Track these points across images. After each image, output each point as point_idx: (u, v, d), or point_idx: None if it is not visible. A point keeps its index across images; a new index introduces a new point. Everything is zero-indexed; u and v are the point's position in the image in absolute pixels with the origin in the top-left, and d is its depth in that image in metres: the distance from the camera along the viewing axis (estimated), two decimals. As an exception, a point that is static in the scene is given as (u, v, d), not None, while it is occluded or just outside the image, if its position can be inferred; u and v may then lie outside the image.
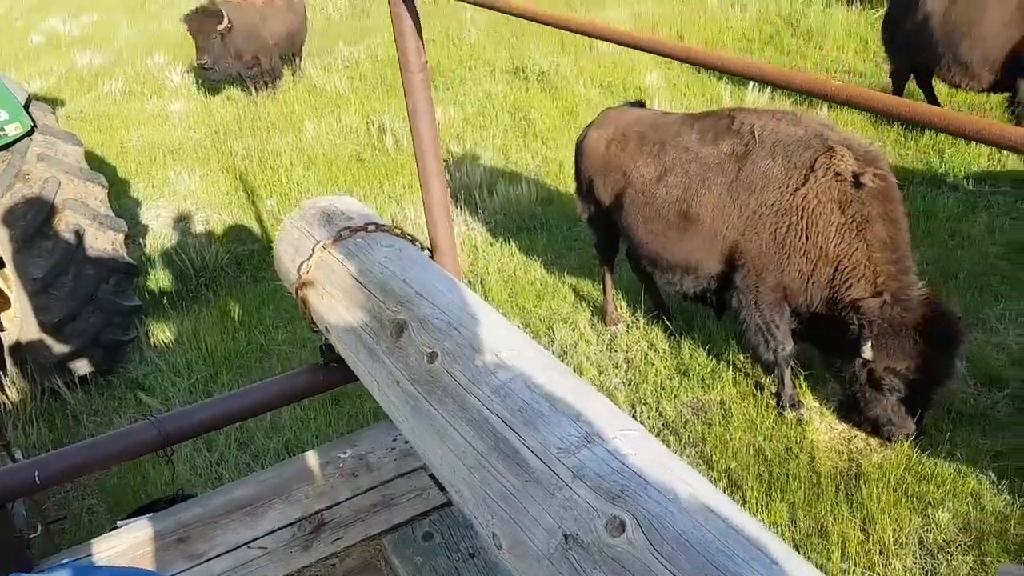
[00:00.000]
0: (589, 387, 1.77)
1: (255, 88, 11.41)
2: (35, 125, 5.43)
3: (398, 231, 2.48)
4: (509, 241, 7.04)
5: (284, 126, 10.42)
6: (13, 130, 5.25)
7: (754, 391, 5.00)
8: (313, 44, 13.24)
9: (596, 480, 1.42)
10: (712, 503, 1.35)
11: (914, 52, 7.85)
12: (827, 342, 4.56)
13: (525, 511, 1.49)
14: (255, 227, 8.01)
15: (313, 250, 2.44)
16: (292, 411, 5.12)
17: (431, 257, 2.54)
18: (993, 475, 4.15)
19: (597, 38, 1.77)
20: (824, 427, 4.71)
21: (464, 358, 1.84)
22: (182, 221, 8.27)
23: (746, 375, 5.13)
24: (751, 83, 9.28)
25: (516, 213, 7.50)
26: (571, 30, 1.92)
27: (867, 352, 4.13)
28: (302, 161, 9.25)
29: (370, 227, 2.47)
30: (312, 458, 2.50)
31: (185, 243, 7.65)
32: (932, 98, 8.14)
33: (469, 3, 2.06)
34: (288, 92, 11.59)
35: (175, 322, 6.44)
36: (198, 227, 8.14)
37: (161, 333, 6.39)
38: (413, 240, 2.49)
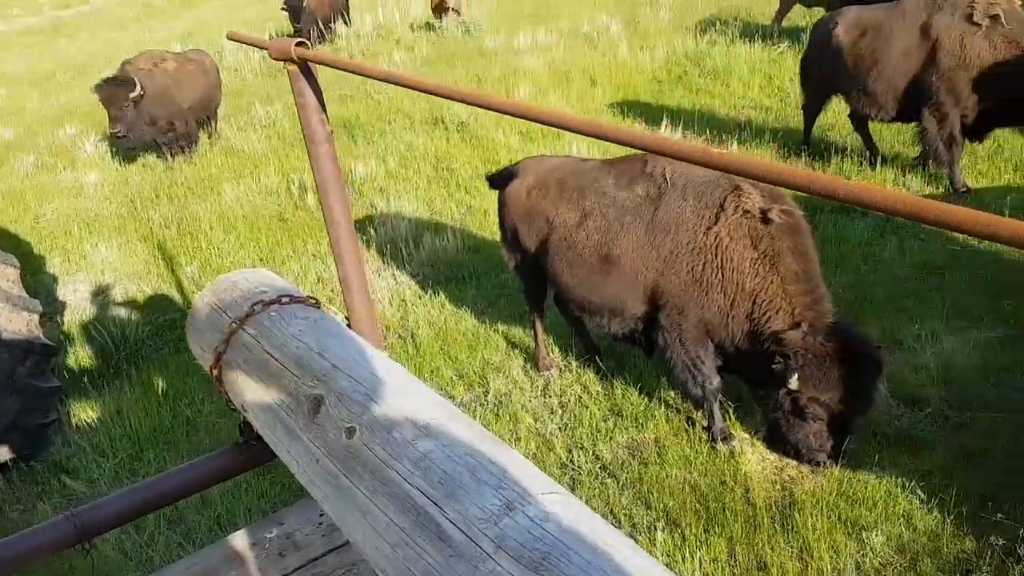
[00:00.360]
0: (511, 451, 1.76)
1: (171, 154, 11.26)
2: (-63, 208, 5.25)
3: (313, 301, 2.46)
4: (438, 292, 7.03)
5: (202, 190, 10.29)
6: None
7: (686, 427, 5.05)
8: (228, 105, 13.16)
9: (518, 550, 1.42)
10: (637, 566, 1.35)
11: (827, 84, 8.16)
12: (751, 374, 4.65)
13: (449, 587, 1.48)
14: (176, 295, 7.85)
15: (226, 328, 2.40)
16: (222, 485, 4.98)
17: (348, 326, 2.51)
18: (923, 494, 4.26)
19: (503, 112, 1.78)
20: (756, 457, 4.78)
21: (383, 430, 1.82)
22: (100, 294, 8.05)
23: (678, 411, 5.19)
24: (664, 123, 9.54)
25: (443, 264, 7.51)
26: (474, 104, 1.95)
27: (793, 383, 4.22)
28: (222, 225, 9.12)
29: (284, 299, 2.43)
30: (238, 540, 2.43)
31: (104, 317, 7.45)
32: (868, 141, 8.37)
33: (367, 76, 2.08)
34: (205, 156, 11.47)
35: (97, 400, 6.24)
36: (117, 299, 7.94)
37: (83, 413, 6.18)
38: (327, 310, 2.47)
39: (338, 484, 1.82)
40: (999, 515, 4.01)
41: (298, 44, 2.16)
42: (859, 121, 8.29)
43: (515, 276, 5.94)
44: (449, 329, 6.54)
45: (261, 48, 2.30)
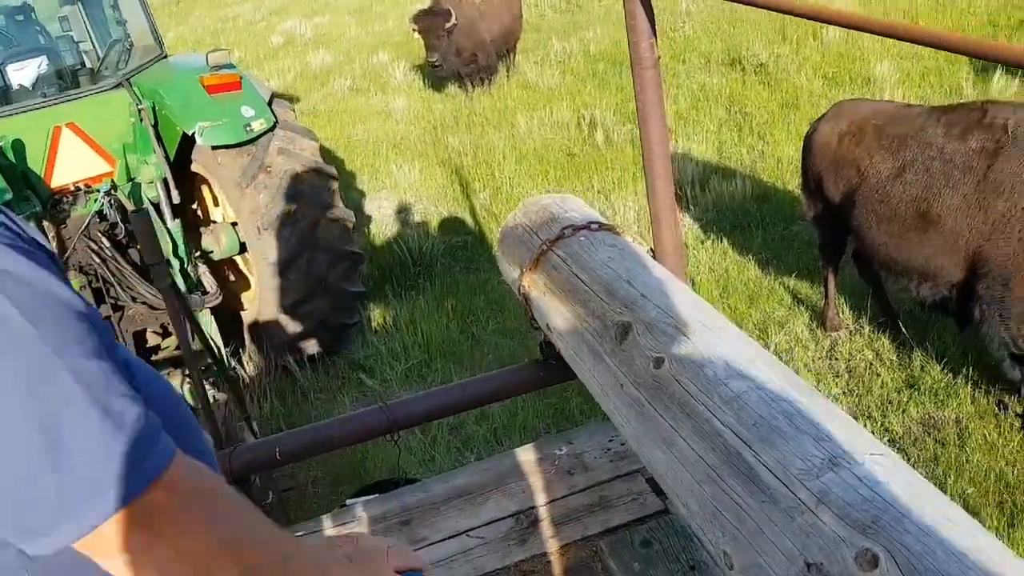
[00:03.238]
0: (832, 405, 1.66)
1: (471, 84, 11.75)
2: (277, 121, 5.85)
3: (621, 231, 2.44)
4: (721, 239, 6.83)
5: (498, 121, 10.67)
6: (258, 126, 5.68)
7: (995, 410, 4.55)
8: (526, 40, 13.47)
9: (843, 507, 1.32)
10: (981, 547, 1.22)
11: None
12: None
13: (761, 532, 1.42)
14: (468, 219, 8.25)
15: (536, 248, 2.45)
16: (500, 401, 5.23)
17: (653, 258, 2.48)
18: None
19: (827, 23, 1.65)
20: (1080, 456, 4.21)
21: (693, 365, 1.78)
22: (402, 212, 8.66)
23: (987, 392, 4.68)
24: (997, 73, 8.47)
25: (729, 210, 7.26)
26: (797, 15, 1.81)
27: None
28: (514, 155, 9.43)
29: (593, 226, 2.44)
30: (528, 452, 2.52)
31: (404, 233, 8.01)
32: None
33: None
34: (502, 88, 11.86)
35: (394, 308, 6.76)
36: (416, 218, 8.50)
37: (381, 318, 6.73)
38: (634, 239, 2.44)
39: (642, 411, 1.81)
40: None
41: (637, -37, 2.09)
42: None
43: (812, 227, 5.60)
44: (731, 277, 6.34)
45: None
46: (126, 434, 1.00)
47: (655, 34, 2.20)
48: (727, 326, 1.98)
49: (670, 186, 2.37)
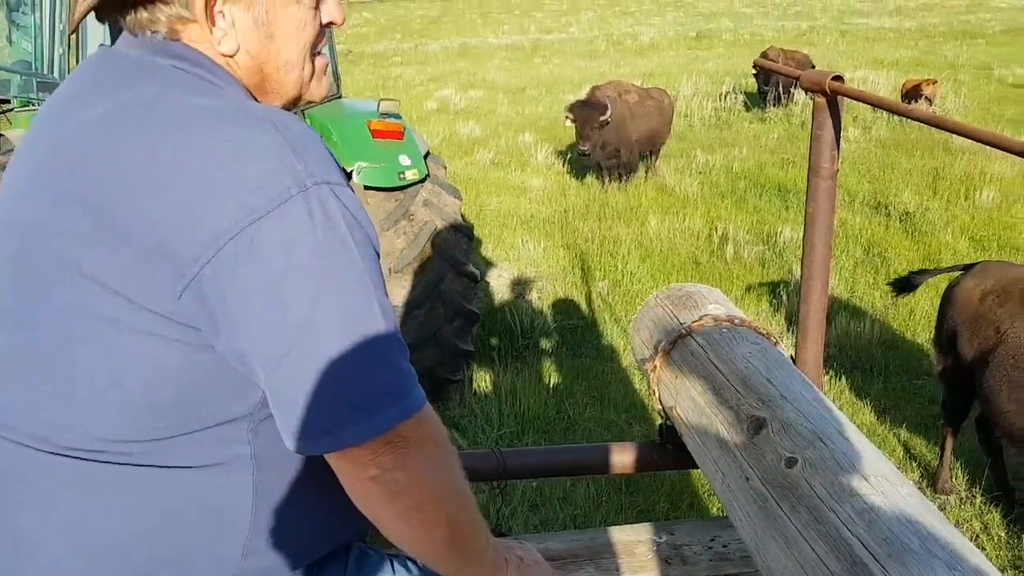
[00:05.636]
0: (962, 536, 1.61)
1: (609, 178, 11.97)
2: (428, 174, 6.11)
3: (764, 331, 2.45)
4: (840, 377, 6.65)
5: (628, 218, 10.80)
6: (411, 175, 5.95)
7: (1111, 616, 4.22)
8: (672, 146, 13.68)
9: (972, 637, 1.28)
10: None
11: None
12: None
13: (880, 648, 1.38)
14: (583, 305, 8.32)
15: (675, 330, 2.48)
16: (586, 488, 5.17)
17: (794, 363, 2.46)
18: None
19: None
20: None
21: (827, 472, 1.76)
22: (520, 285, 8.81)
23: (1103, 594, 4.36)
24: None
25: (853, 350, 7.08)
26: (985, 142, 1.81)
27: None
28: (639, 253, 9.50)
29: (735, 320, 2.46)
30: (627, 532, 2.50)
31: (519, 305, 8.13)
32: None
33: (898, 115, 2.01)
34: (638, 187, 12.03)
35: (496, 375, 6.83)
36: (533, 294, 8.63)
37: (482, 381, 6.80)
38: (776, 343, 2.44)
39: (766, 507, 1.79)
40: None
41: (834, 78, 2.16)
42: None
43: (938, 383, 5.41)
44: (842, 417, 6.15)
45: (793, 77, 2.34)
46: (406, 367, 1.25)
47: (838, 147, 2.24)
48: (864, 440, 1.96)
49: (824, 297, 2.38)
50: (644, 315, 2.72)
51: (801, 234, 8.07)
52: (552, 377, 6.83)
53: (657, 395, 2.46)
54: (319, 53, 1.50)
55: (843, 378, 6.63)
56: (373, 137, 5.91)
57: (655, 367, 2.47)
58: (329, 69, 1.60)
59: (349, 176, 5.80)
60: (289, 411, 1.15)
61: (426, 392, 5.09)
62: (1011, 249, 8.85)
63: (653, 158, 12.75)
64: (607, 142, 11.60)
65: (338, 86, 6.69)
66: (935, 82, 15.65)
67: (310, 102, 1.59)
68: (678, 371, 2.37)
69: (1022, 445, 4.52)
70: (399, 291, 5.96)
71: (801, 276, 2.38)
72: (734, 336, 2.37)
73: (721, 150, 13.72)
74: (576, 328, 7.79)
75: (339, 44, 12.35)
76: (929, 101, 15.19)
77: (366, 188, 5.86)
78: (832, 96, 2.17)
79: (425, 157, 6.24)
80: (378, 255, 1.25)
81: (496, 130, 16.62)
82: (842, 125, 2.23)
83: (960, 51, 25.15)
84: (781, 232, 9.61)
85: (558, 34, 36.68)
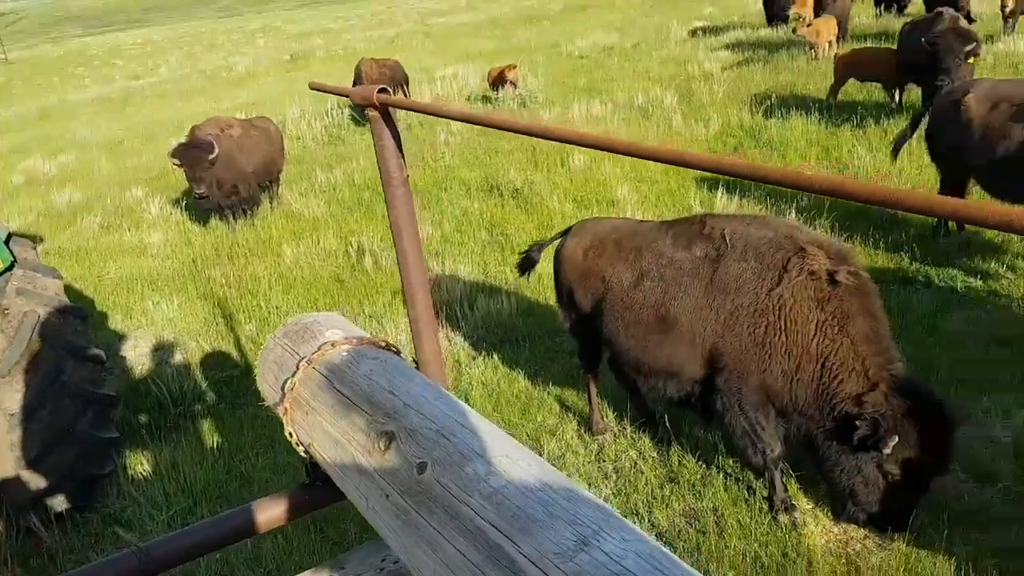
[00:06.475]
0: (583, 490, 1.74)
1: (233, 216, 11.55)
2: (15, 260, 5.44)
3: (383, 343, 2.47)
4: (492, 354, 7.03)
5: (262, 251, 10.52)
6: (-8, 265, 5.26)
7: (746, 496, 4.92)
8: (290, 171, 13.52)
9: (596, 584, 1.38)
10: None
11: (957, 161, 7.32)
12: (815, 440, 4.52)
13: (526, 622, 1.44)
14: (234, 353, 7.96)
15: (297, 366, 2.42)
16: (274, 539, 4.97)
17: (416, 368, 2.52)
18: (996, 573, 4.07)
19: (574, 143, 1.84)
20: (819, 530, 4.62)
21: (454, 467, 1.81)
22: (160, 350, 8.21)
23: (737, 480, 5.06)
24: (720, 192, 9.55)
25: (497, 326, 7.52)
26: (546, 137, 1.99)
27: (889, 446, 4.02)
28: (281, 285, 9.29)
29: (354, 340, 2.46)
30: (301, 582, 2.40)
31: (163, 372, 7.57)
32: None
33: (443, 117, 2.13)
34: (266, 219, 11.75)
35: (153, 453, 6.30)
36: (176, 356, 8.08)
37: (139, 465, 6.24)
38: (398, 352, 2.48)
39: (408, 519, 1.81)
40: (1081, 596, 3.81)
41: (380, 90, 2.22)
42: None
43: (570, 337, 5.92)
44: (502, 391, 6.52)
45: (343, 95, 2.37)
46: None
47: (402, 154, 2.31)
48: (488, 427, 2.04)
49: (427, 296, 2.45)
50: (266, 358, 2.63)
51: (429, 232, 8.33)
52: (215, 438, 6.45)
53: (295, 437, 2.39)
54: None
55: (494, 354, 7.02)
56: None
57: (285, 409, 2.39)
58: None
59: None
60: None
61: (74, 495, 4.64)
62: (607, 203, 9.93)
63: (274, 187, 12.51)
64: (222, 180, 11.16)
65: None
66: (515, 67, 17.07)
67: None
68: (308, 407, 2.32)
69: (645, 373, 5.08)
70: (13, 396, 5.26)
71: (402, 283, 2.44)
72: (355, 357, 2.36)
73: (340, 165, 13.82)
74: (231, 379, 7.42)
75: None
76: (514, 85, 16.54)
77: (-64, 293, 5.08)
78: (383, 108, 2.22)
79: (7, 241, 5.54)
80: None
81: (99, 192, 15.28)
82: (399, 131, 2.30)
83: (531, 34, 27.71)
84: (412, 233, 9.90)
85: (147, 78, 34.56)
